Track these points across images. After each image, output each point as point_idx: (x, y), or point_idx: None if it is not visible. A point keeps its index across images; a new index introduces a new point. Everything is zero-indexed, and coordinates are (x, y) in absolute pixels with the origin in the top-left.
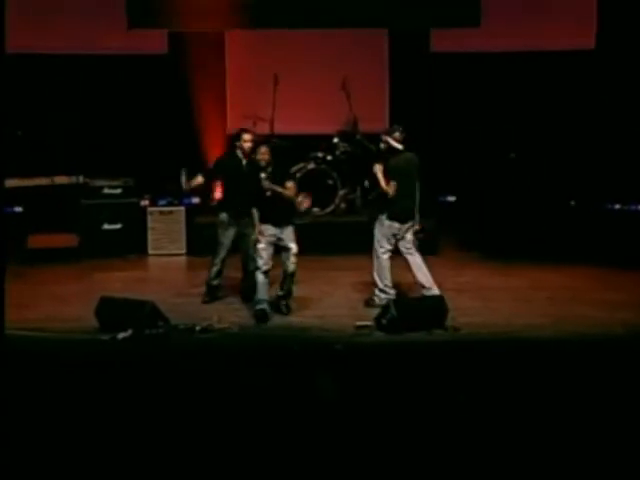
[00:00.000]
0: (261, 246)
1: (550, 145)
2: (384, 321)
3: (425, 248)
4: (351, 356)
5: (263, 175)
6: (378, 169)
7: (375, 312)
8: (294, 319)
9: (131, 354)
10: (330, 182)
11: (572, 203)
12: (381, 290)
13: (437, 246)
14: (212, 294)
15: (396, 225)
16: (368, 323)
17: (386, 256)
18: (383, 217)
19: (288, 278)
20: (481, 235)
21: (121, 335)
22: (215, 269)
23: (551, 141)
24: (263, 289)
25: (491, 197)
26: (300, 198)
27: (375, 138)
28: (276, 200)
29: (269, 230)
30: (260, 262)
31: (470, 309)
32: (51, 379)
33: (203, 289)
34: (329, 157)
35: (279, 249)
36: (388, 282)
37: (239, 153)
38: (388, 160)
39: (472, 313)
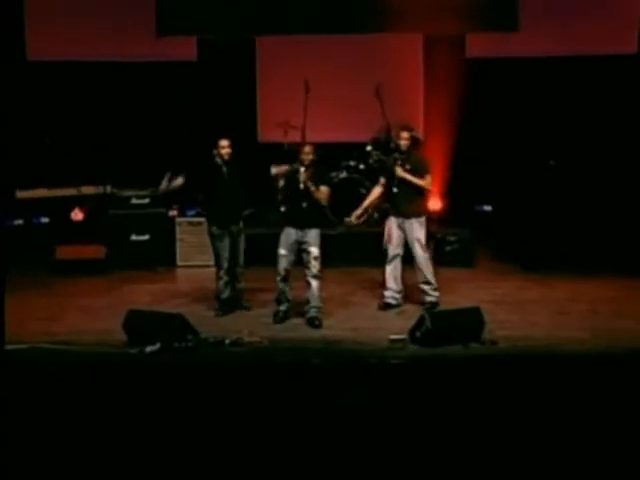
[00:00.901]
0: (282, 252)
1: (591, 152)
2: (418, 334)
3: (460, 259)
4: (384, 370)
5: (302, 169)
6: (402, 171)
7: (410, 324)
8: (327, 332)
9: (159, 368)
10: (363, 191)
11: (613, 211)
12: (436, 289)
13: (473, 257)
14: (225, 308)
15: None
16: (402, 336)
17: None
18: (423, 218)
19: (311, 286)
20: (518, 246)
21: (149, 348)
22: (222, 282)
23: (592, 148)
24: (283, 294)
25: (529, 206)
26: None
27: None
28: (303, 200)
29: (291, 234)
30: (279, 268)
31: (507, 322)
32: (77, 393)
33: (249, 303)
34: (362, 166)
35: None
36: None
37: (218, 160)
38: (413, 156)
39: (510, 326)
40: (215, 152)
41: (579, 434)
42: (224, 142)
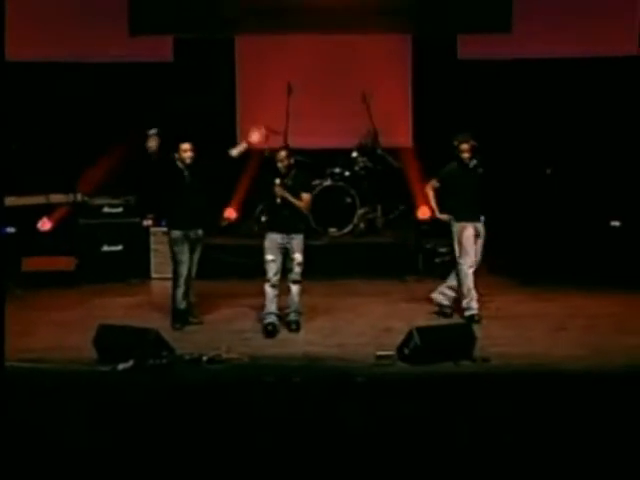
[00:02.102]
0: (269, 258)
1: (589, 160)
2: (407, 350)
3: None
4: (371, 389)
5: (277, 181)
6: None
7: (398, 340)
8: (311, 348)
9: (132, 386)
10: (348, 200)
11: (614, 223)
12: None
13: None
14: (182, 319)
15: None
16: (390, 353)
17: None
18: None
19: (291, 290)
20: (513, 258)
21: (122, 366)
22: (180, 291)
23: (590, 155)
24: (271, 302)
25: (525, 216)
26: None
27: (397, 152)
28: (284, 208)
29: (276, 239)
30: (269, 274)
31: (501, 338)
32: (45, 417)
33: (205, 317)
34: (347, 173)
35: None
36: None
37: (179, 164)
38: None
39: (503, 342)
40: (176, 156)
41: (578, 457)
42: (185, 145)
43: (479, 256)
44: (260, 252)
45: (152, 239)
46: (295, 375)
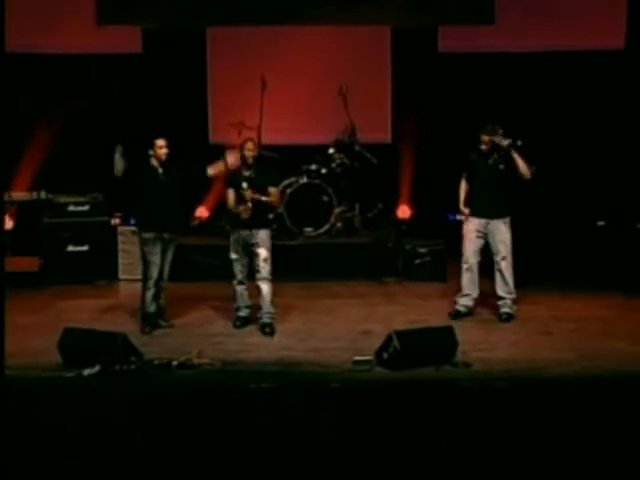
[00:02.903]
0: (233, 257)
1: (575, 156)
2: (385, 355)
3: (432, 273)
4: (347, 395)
5: (245, 185)
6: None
7: (377, 344)
8: (285, 353)
9: (98, 393)
10: (325, 198)
11: (600, 223)
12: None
13: (445, 271)
14: (152, 323)
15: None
16: (368, 357)
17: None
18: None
19: (262, 291)
20: None
21: (87, 371)
22: (150, 294)
23: (576, 152)
24: (242, 297)
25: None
26: (241, 208)
27: (376, 148)
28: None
29: (240, 236)
30: (235, 271)
31: (484, 342)
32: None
33: (175, 320)
34: (324, 170)
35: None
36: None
37: (154, 162)
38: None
39: (486, 347)
40: (151, 153)
41: (562, 466)
42: (161, 142)
43: (498, 255)
44: None
45: (120, 239)
46: (269, 381)
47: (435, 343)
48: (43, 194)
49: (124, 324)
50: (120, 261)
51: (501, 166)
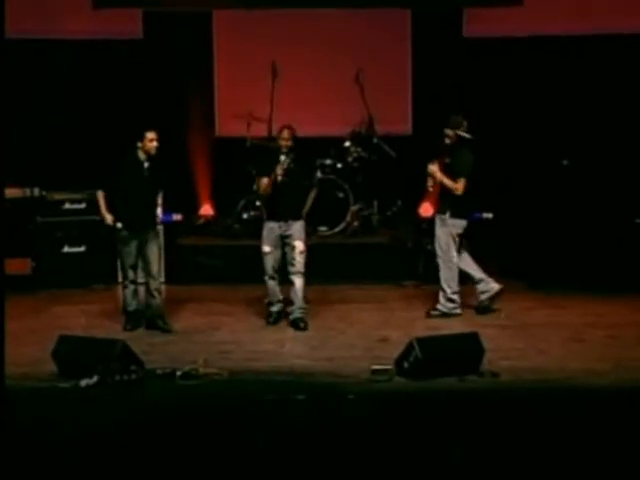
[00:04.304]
0: (266, 250)
1: (611, 149)
2: (406, 364)
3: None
4: (365, 407)
5: (283, 158)
6: (434, 170)
7: (397, 352)
8: (297, 362)
9: (96, 405)
10: (341, 195)
11: (638, 221)
12: (449, 299)
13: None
14: (134, 321)
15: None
16: (387, 367)
17: (456, 260)
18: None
19: (295, 284)
20: (525, 259)
21: (84, 382)
22: (129, 291)
23: (613, 144)
24: (274, 292)
25: (536, 212)
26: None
27: (395, 141)
28: (285, 190)
29: (274, 228)
30: (265, 267)
31: (512, 350)
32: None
33: (178, 326)
34: (339, 165)
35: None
36: (456, 289)
37: (140, 155)
38: (456, 154)
39: (514, 355)
40: (139, 145)
41: None
42: (151, 134)
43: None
44: (240, 253)
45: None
46: (280, 392)
47: (459, 351)
48: (36, 191)
49: (123, 331)
50: (119, 263)
51: (447, 160)
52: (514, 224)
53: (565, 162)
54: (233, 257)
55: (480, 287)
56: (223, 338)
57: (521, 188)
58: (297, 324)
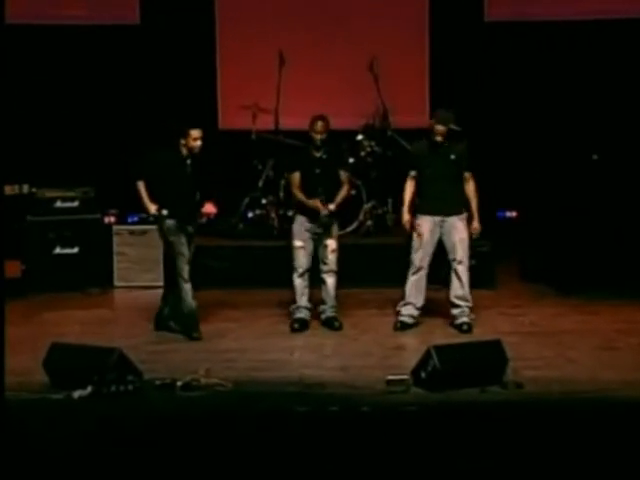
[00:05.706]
0: (297, 244)
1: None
2: (423, 374)
3: (478, 279)
4: (380, 420)
5: (317, 155)
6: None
7: (414, 361)
8: (307, 372)
9: (90, 418)
10: (353, 192)
11: None
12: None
13: (494, 276)
14: (193, 325)
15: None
16: (403, 377)
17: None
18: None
19: (327, 283)
20: (552, 262)
21: (78, 393)
22: (188, 288)
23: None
24: (301, 295)
25: (565, 212)
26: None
27: (411, 134)
28: (318, 185)
29: (305, 224)
30: (295, 263)
31: (538, 359)
32: None
33: (179, 333)
34: (352, 160)
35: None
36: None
37: (184, 152)
38: (458, 149)
39: (541, 365)
40: (182, 142)
41: None
42: (196, 133)
43: (454, 257)
44: (245, 254)
45: (115, 240)
46: (289, 405)
47: (481, 360)
48: (26, 188)
49: (120, 338)
50: (115, 266)
51: (452, 156)
52: (540, 224)
53: (595, 157)
54: (240, 259)
55: (404, 309)
56: (227, 346)
57: (549, 185)
58: (331, 323)
